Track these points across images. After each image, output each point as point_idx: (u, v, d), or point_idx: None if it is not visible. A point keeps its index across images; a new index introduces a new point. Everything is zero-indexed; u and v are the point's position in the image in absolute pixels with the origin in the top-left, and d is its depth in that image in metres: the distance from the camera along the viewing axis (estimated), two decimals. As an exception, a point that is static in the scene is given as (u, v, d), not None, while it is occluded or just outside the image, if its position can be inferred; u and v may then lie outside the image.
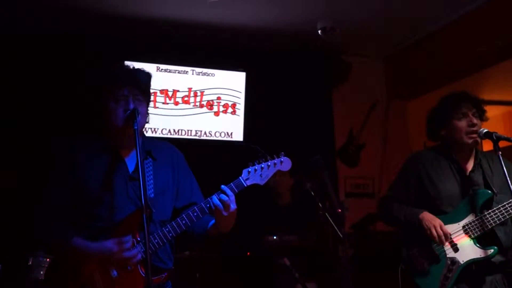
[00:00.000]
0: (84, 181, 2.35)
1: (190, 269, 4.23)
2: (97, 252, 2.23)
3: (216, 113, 5.35)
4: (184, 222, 2.34)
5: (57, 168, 2.40)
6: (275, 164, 2.43)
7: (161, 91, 5.14)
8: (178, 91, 5.22)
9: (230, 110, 5.39)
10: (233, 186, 2.37)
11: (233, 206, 2.34)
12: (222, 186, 2.35)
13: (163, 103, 5.14)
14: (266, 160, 2.43)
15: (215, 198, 2.33)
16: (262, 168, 2.41)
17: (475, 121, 2.94)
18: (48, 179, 2.39)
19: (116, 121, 2.34)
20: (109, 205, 2.32)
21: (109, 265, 2.23)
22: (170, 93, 5.18)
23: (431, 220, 2.89)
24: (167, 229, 2.33)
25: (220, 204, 2.32)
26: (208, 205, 2.35)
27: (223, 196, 2.33)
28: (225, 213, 2.32)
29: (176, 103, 5.20)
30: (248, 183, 2.39)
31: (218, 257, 4.59)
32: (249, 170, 2.40)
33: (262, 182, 2.41)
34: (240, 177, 2.39)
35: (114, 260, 2.22)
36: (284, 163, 2.46)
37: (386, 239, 4.92)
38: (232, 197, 2.35)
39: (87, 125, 2.47)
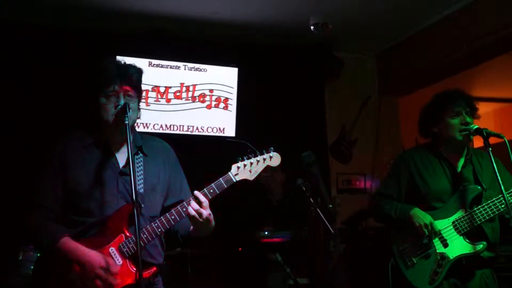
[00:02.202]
0: (74, 176, 2.35)
1: (182, 265, 4.23)
2: (82, 260, 2.21)
3: (208, 106, 5.34)
4: (173, 217, 2.33)
5: (48, 164, 2.39)
6: (264, 159, 2.40)
7: (153, 88, 5.12)
8: (170, 87, 5.20)
9: (222, 105, 5.38)
10: (222, 182, 2.35)
11: (206, 213, 2.29)
12: (195, 192, 2.31)
13: (155, 100, 5.12)
14: (256, 155, 2.39)
15: (190, 208, 2.28)
16: (251, 163, 2.38)
17: (468, 120, 2.96)
18: (39, 175, 2.38)
19: (107, 117, 2.35)
20: (100, 200, 2.32)
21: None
22: (162, 90, 5.17)
23: (421, 217, 2.91)
24: (156, 224, 2.32)
25: (194, 213, 2.28)
26: (184, 209, 2.31)
27: (194, 205, 2.28)
28: (200, 220, 2.29)
29: (168, 100, 5.18)
30: (237, 178, 2.36)
31: (210, 253, 4.59)
32: (238, 165, 2.37)
33: (251, 178, 2.37)
34: (229, 172, 2.36)
35: (94, 273, 2.19)
36: (274, 158, 2.42)
37: (377, 235, 4.94)
38: (206, 203, 2.30)
39: (79, 120, 2.46)
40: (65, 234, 2.26)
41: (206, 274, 4.50)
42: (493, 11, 4.76)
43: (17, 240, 3.74)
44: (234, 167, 2.36)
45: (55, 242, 2.23)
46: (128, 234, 2.29)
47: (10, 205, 4.46)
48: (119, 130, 2.33)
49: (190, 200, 2.32)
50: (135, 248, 2.16)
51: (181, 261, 4.24)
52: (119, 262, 2.27)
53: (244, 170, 2.36)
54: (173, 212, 2.33)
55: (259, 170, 2.38)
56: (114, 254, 2.27)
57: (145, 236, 2.29)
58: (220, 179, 2.34)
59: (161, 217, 2.34)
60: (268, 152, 2.41)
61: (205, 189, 2.33)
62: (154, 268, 2.33)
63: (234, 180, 2.35)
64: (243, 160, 2.37)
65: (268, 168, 4.89)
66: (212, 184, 2.35)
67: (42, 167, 2.39)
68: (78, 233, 2.29)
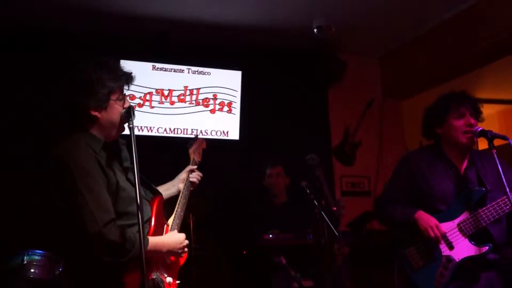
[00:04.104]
0: (112, 182, 2.28)
1: (186, 268, 4.22)
2: (168, 246, 2.42)
3: (212, 111, 5.35)
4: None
5: (96, 175, 2.24)
6: (200, 143, 3.14)
7: (157, 90, 5.13)
8: (174, 90, 5.22)
9: (226, 108, 5.39)
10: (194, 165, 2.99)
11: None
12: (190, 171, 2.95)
13: (158, 102, 5.14)
14: (194, 142, 3.12)
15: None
16: (197, 147, 3.09)
17: (472, 121, 2.95)
18: (97, 190, 2.21)
19: (114, 119, 2.35)
20: (132, 200, 2.27)
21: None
22: (166, 92, 5.18)
23: (426, 220, 2.90)
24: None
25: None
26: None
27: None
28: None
29: (172, 103, 5.20)
30: (197, 160, 3.04)
31: (215, 257, 4.59)
32: (193, 150, 3.06)
33: (200, 159, 3.07)
34: (194, 157, 3.02)
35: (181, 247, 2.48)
36: (203, 143, 3.18)
37: (382, 237, 4.93)
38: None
39: (77, 124, 2.39)
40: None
41: (211, 277, 4.49)
42: (496, 13, 4.75)
43: (27, 243, 3.75)
44: (191, 152, 3.05)
45: (147, 247, 2.22)
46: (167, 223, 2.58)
47: (13, 208, 4.50)
48: (119, 132, 2.41)
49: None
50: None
51: (185, 264, 4.23)
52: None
53: (196, 153, 3.06)
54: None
55: (201, 152, 3.12)
56: None
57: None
58: (194, 163, 3.01)
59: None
60: (198, 138, 3.17)
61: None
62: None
63: (197, 161, 3.03)
64: (191, 147, 3.08)
65: (273, 174, 4.91)
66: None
67: (93, 179, 2.22)
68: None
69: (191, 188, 2.91)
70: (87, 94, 2.31)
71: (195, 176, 2.93)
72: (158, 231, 2.43)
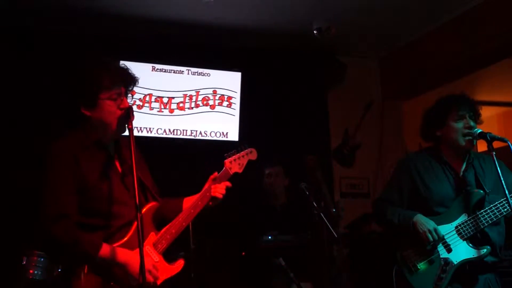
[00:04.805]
0: (88, 180, 2.27)
1: (185, 269, 4.21)
2: (129, 261, 2.24)
3: (212, 106, 5.35)
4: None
5: (61, 170, 2.26)
6: (246, 153, 2.74)
7: (156, 99, 5.13)
8: (173, 98, 5.21)
9: (225, 103, 5.38)
10: (222, 175, 2.63)
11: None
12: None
13: (158, 110, 5.14)
14: (239, 151, 2.72)
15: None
16: (238, 157, 2.71)
17: (472, 124, 2.95)
18: (56, 183, 2.24)
19: (110, 118, 2.33)
20: (120, 202, 2.31)
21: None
22: (165, 100, 5.18)
23: (425, 223, 2.90)
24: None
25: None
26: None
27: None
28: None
29: (171, 111, 5.20)
30: (231, 172, 2.67)
31: (213, 258, 4.58)
32: (230, 160, 2.67)
33: (240, 170, 2.71)
34: (226, 167, 2.65)
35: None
36: (253, 153, 2.78)
37: (381, 239, 4.93)
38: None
39: (75, 121, 2.40)
40: (102, 243, 2.21)
41: (210, 278, 4.49)
42: (496, 15, 4.76)
43: (22, 245, 3.75)
44: (227, 162, 2.66)
45: (97, 252, 2.18)
46: (157, 231, 2.42)
47: (13, 210, 4.49)
48: (118, 133, 2.36)
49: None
50: (167, 244, 2.41)
51: (184, 265, 4.22)
52: (156, 259, 2.38)
53: (234, 164, 2.68)
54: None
55: (244, 163, 2.73)
56: (151, 252, 2.37)
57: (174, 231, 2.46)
58: (222, 173, 2.64)
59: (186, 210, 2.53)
60: (246, 148, 2.76)
61: (220, 174, 2.65)
62: (183, 261, 2.49)
63: (231, 173, 2.66)
64: (230, 156, 2.68)
65: (272, 173, 4.92)
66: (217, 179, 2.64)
67: (56, 173, 2.25)
68: (106, 237, 2.26)
69: (211, 203, 2.58)
70: (76, 93, 2.34)
71: (218, 191, 2.57)
72: (134, 238, 2.24)
